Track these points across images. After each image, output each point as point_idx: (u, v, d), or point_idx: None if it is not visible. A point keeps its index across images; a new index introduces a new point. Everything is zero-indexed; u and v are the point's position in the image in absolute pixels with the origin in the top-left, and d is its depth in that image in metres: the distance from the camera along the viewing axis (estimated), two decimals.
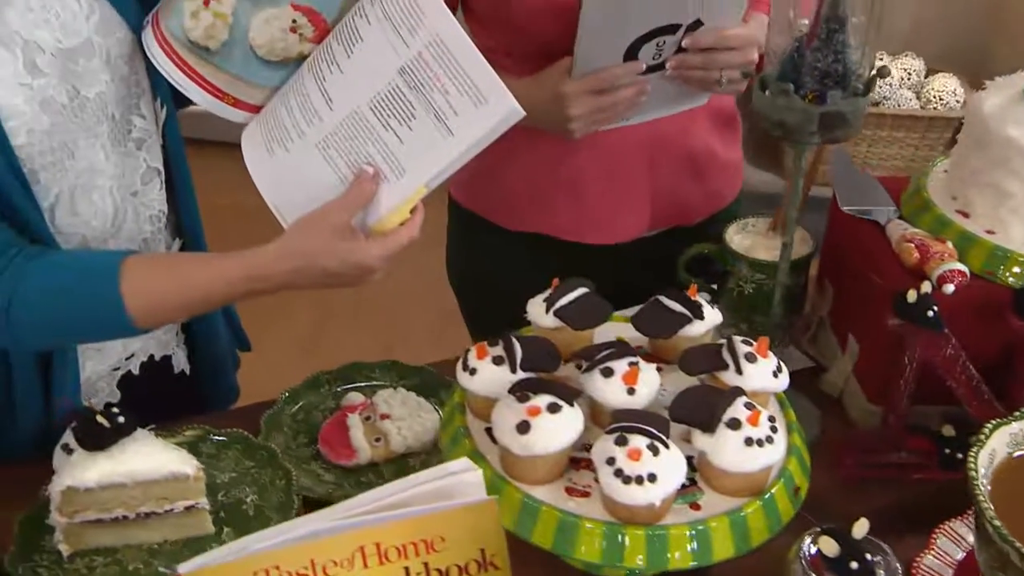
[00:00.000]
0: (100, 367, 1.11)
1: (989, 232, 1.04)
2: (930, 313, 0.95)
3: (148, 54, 0.99)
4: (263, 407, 1.14)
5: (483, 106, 0.89)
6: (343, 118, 0.94)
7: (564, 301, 1.00)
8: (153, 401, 1.15)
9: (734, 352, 0.93)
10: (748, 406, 0.87)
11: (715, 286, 1.25)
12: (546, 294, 1.03)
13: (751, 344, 0.94)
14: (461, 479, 0.73)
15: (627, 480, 0.81)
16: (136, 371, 1.16)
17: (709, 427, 0.86)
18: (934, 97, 2.82)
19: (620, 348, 0.93)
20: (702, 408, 0.87)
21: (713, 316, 1.01)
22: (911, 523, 0.96)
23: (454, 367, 1.22)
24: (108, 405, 1.13)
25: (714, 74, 1.15)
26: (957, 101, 2.81)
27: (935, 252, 1.00)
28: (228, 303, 0.95)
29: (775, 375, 0.93)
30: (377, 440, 1.08)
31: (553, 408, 0.86)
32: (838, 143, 0.96)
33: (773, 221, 1.23)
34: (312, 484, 1.02)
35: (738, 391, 0.88)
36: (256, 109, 1.02)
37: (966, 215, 1.07)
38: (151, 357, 1.18)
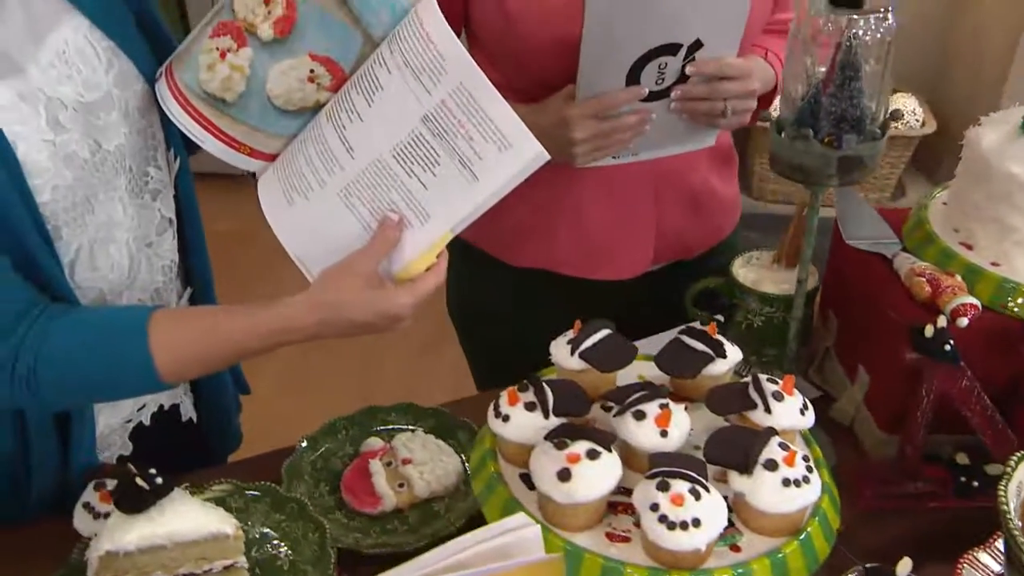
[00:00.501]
0: (113, 420, 1.10)
1: (994, 264, 1.08)
2: (947, 347, 0.98)
3: (163, 107, 0.98)
4: (280, 455, 1.13)
5: (508, 151, 0.90)
6: (365, 166, 0.94)
7: (589, 343, 1.01)
8: (163, 451, 1.14)
9: (761, 391, 0.94)
10: (783, 446, 0.88)
11: (721, 319, 1.28)
12: (569, 336, 1.04)
13: (777, 382, 0.96)
14: (520, 535, 0.73)
15: (672, 526, 0.82)
16: (147, 422, 1.14)
17: (746, 469, 0.87)
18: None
19: (651, 391, 0.95)
20: (737, 449, 0.89)
21: (734, 354, 1.02)
22: (931, 552, 0.98)
23: (467, 407, 1.23)
24: (122, 458, 1.12)
25: (719, 105, 1.17)
26: (917, 120, 2.89)
27: (946, 286, 1.03)
28: (256, 356, 0.95)
29: (802, 412, 0.95)
30: (400, 486, 1.08)
31: (592, 455, 0.87)
32: (854, 184, 0.98)
33: (777, 253, 1.25)
34: (340, 534, 1.02)
35: (771, 431, 0.89)
36: (271, 157, 1.02)
37: (969, 247, 1.11)
38: (160, 407, 1.16)
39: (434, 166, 0.92)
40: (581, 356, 1.01)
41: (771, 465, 0.86)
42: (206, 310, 0.96)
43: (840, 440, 1.16)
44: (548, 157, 0.90)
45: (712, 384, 1.02)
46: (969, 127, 1.15)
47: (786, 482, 0.86)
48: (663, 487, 0.84)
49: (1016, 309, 1.04)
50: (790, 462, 0.87)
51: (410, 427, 1.16)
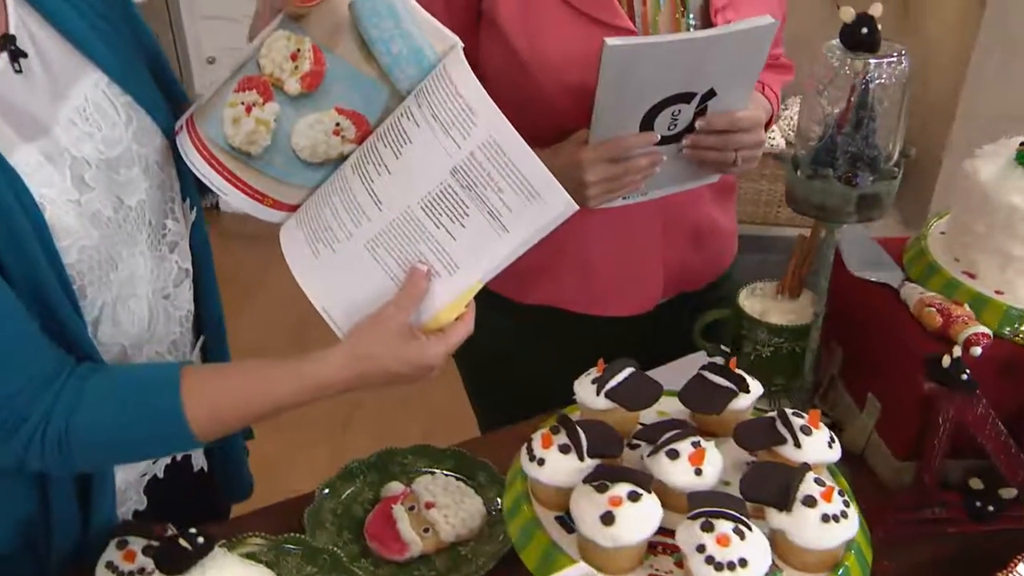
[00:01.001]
0: (130, 475, 1.08)
1: (998, 292, 1.11)
2: (964, 376, 1.01)
3: (186, 161, 0.97)
4: (297, 503, 1.12)
5: (537, 202, 0.91)
6: (393, 218, 0.95)
7: (614, 383, 1.02)
8: (175, 503, 1.12)
9: (790, 425, 0.96)
10: (819, 482, 0.90)
11: (727, 350, 1.30)
12: (592, 375, 1.04)
13: (803, 416, 0.98)
14: None
15: (719, 567, 0.83)
16: (160, 474, 1.12)
17: (785, 505, 0.88)
18: None
19: (683, 429, 0.96)
20: (773, 486, 0.90)
21: (756, 388, 1.04)
22: None
23: (481, 447, 1.23)
24: (138, 513, 1.10)
25: (729, 155, 1.20)
26: None
27: (957, 316, 1.06)
28: (290, 410, 0.94)
29: (830, 446, 0.97)
30: (425, 531, 1.07)
31: (634, 497, 0.88)
32: (872, 221, 1.01)
33: (780, 284, 1.28)
34: None
35: (806, 467, 0.91)
36: (293, 208, 1.01)
37: (972, 276, 1.14)
38: (173, 458, 1.14)
39: (463, 218, 0.93)
40: (607, 396, 1.01)
41: (810, 501, 0.88)
42: (238, 367, 0.95)
43: (852, 468, 1.18)
44: (576, 208, 0.91)
45: (736, 419, 1.04)
46: (963, 160, 1.19)
47: (825, 518, 0.87)
48: (707, 527, 0.85)
49: (1023, 337, 1.07)
50: (828, 497, 0.88)
51: (429, 469, 1.16)
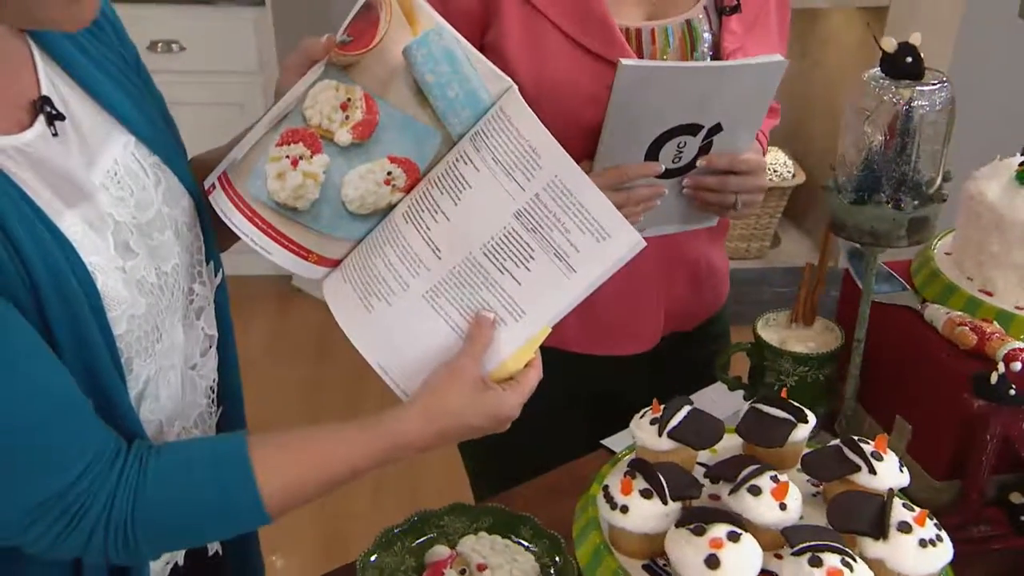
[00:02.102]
0: (156, 565, 0.99)
1: (1019, 308, 1.16)
2: (1012, 391, 1.04)
3: (226, 220, 0.93)
4: None
5: (606, 241, 0.90)
6: (453, 266, 0.92)
7: (676, 422, 1.01)
8: None
9: (861, 452, 0.97)
10: (907, 507, 0.91)
11: (743, 382, 1.31)
12: (649, 416, 1.03)
13: (869, 442, 0.99)
14: None
15: None
16: (182, 561, 1.04)
17: (881, 533, 0.89)
18: (769, 170, 3.10)
19: (760, 465, 0.95)
20: (864, 515, 0.91)
21: (811, 418, 1.05)
22: None
23: (514, 500, 1.19)
24: None
25: (729, 198, 1.22)
26: (789, 171, 3.11)
27: (990, 333, 1.10)
28: (367, 474, 0.89)
29: (900, 470, 0.98)
30: None
31: (733, 537, 0.87)
32: (920, 245, 1.04)
33: (793, 313, 1.30)
34: None
35: (891, 493, 0.92)
36: (336, 263, 0.97)
37: (990, 294, 1.19)
38: None
39: (528, 261, 0.90)
40: (671, 436, 1.00)
41: (905, 527, 0.89)
42: (308, 433, 0.89)
43: None
44: (645, 244, 0.91)
45: (793, 450, 1.04)
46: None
47: (923, 543, 0.88)
48: (816, 563, 0.84)
49: None
50: (921, 522, 0.90)
51: (471, 530, 1.11)
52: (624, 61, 1.06)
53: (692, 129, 1.14)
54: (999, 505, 1.14)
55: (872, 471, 0.96)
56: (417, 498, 2.44)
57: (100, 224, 0.85)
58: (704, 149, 1.18)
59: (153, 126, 0.94)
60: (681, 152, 1.16)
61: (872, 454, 0.97)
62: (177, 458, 0.84)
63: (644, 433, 1.02)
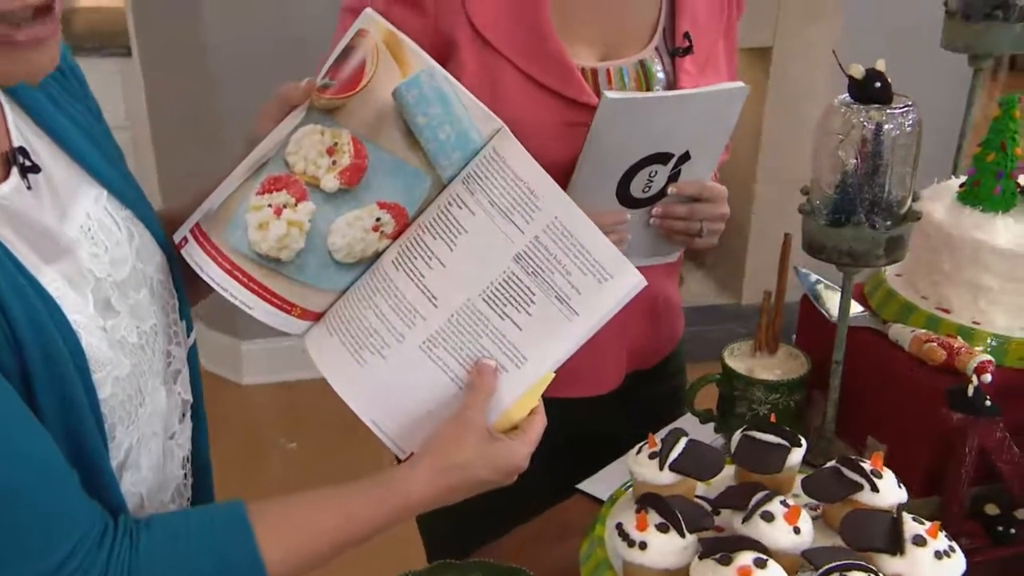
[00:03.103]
0: None
1: (975, 323, 1.24)
2: (987, 403, 1.11)
3: (202, 275, 0.90)
4: None
5: (607, 282, 0.92)
6: (451, 314, 0.92)
7: (676, 455, 1.03)
8: None
9: (861, 470, 1.01)
10: (917, 520, 0.95)
11: (713, 412, 1.35)
12: (647, 451, 1.05)
13: (864, 460, 1.03)
14: None
15: None
16: None
17: (898, 549, 0.93)
18: None
19: (768, 491, 0.98)
20: (877, 532, 0.94)
21: (803, 441, 1.09)
22: None
23: (498, 552, 1.18)
24: None
25: (695, 226, 1.27)
26: None
27: (958, 347, 1.17)
28: (374, 537, 0.87)
29: (899, 486, 1.03)
30: None
31: (760, 563, 0.89)
32: (896, 263, 1.10)
33: (757, 341, 1.35)
34: None
35: (900, 508, 0.96)
36: (318, 316, 0.96)
37: (946, 311, 1.27)
38: None
39: (529, 305, 0.91)
40: (673, 469, 1.02)
41: (920, 541, 0.93)
42: (310, 499, 0.87)
43: None
44: (646, 283, 0.93)
45: (789, 475, 1.08)
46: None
47: (938, 555, 0.92)
48: None
49: (1011, 361, 1.20)
50: (934, 534, 0.94)
51: None
52: (608, 94, 1.09)
53: (663, 158, 1.18)
54: (974, 518, 1.20)
55: (874, 488, 1.00)
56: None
57: (80, 281, 0.82)
58: (672, 178, 1.22)
59: (124, 179, 0.91)
60: (652, 182, 1.20)
61: (872, 472, 1.01)
62: (170, 530, 0.81)
63: (644, 468, 1.04)
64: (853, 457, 1.04)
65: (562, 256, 0.90)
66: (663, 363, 1.48)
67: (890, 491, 1.01)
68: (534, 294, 0.91)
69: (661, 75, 1.26)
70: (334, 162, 0.89)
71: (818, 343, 1.33)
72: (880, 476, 1.01)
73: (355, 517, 0.86)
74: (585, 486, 1.31)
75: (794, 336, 1.40)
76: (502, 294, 0.91)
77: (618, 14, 1.25)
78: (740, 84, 1.19)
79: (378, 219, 0.92)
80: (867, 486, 1.00)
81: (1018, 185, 1.28)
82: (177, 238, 0.94)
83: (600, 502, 1.26)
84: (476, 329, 0.92)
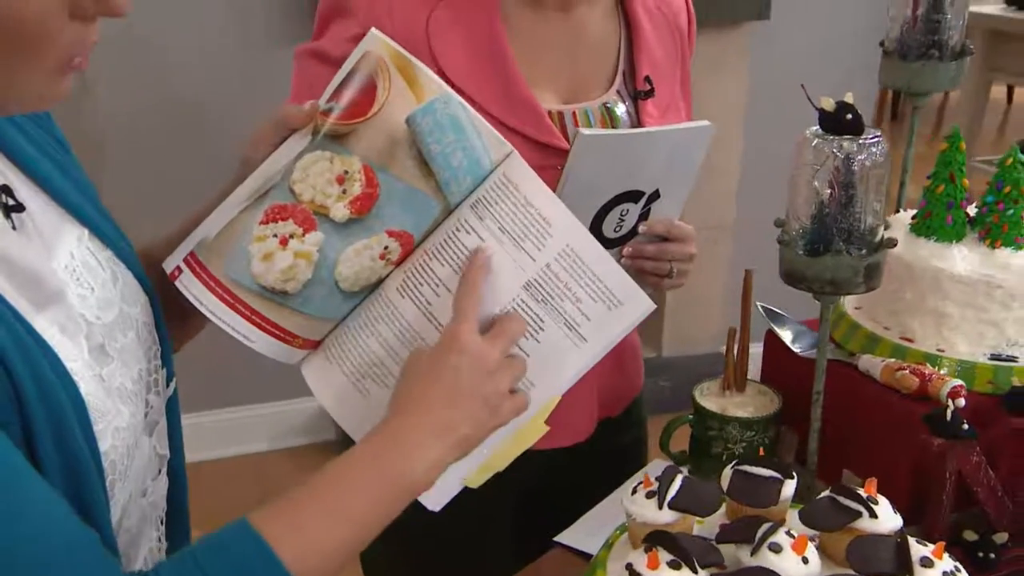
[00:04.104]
0: None
1: (940, 350, 1.31)
2: (965, 426, 1.17)
3: (200, 308, 0.90)
4: None
5: (618, 309, 0.95)
6: None
7: (674, 493, 1.05)
8: None
9: (858, 498, 1.05)
10: (920, 543, 0.99)
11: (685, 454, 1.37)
12: (643, 491, 1.06)
13: (857, 488, 1.07)
14: None
15: None
16: None
17: (907, 572, 0.96)
18: None
19: (773, 523, 1.01)
20: (883, 558, 0.98)
21: (794, 472, 1.12)
22: None
23: None
24: None
25: (665, 266, 1.31)
26: None
27: (929, 374, 1.23)
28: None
29: (895, 512, 1.07)
30: None
31: None
32: (873, 291, 1.16)
33: (724, 380, 1.39)
34: None
35: (903, 531, 1.00)
36: (316, 344, 0.95)
37: (910, 340, 1.33)
38: None
39: (538, 333, 0.93)
40: (672, 507, 1.04)
41: (927, 562, 0.97)
42: (311, 489, 0.83)
43: None
44: (655, 306, 0.96)
45: (781, 508, 1.11)
46: None
47: (946, 575, 0.96)
48: None
49: (978, 385, 1.27)
50: (939, 555, 0.98)
51: None
52: (583, 131, 1.13)
53: (634, 196, 1.22)
54: (954, 545, 1.25)
55: (873, 515, 1.04)
56: None
57: (72, 327, 0.80)
58: (643, 217, 1.26)
59: (104, 217, 0.89)
60: (623, 220, 1.24)
61: (868, 499, 1.05)
62: (178, 567, 0.77)
63: (642, 508, 1.05)
64: (847, 485, 1.08)
65: (573, 283, 0.92)
66: (628, 410, 1.51)
67: (888, 517, 1.05)
68: (543, 321, 0.93)
69: (625, 117, 1.30)
70: (344, 191, 0.89)
71: (785, 378, 1.38)
72: (876, 502, 1.05)
73: (376, 496, 0.83)
74: (565, 538, 1.31)
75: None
76: None
77: (579, 58, 1.30)
78: (707, 123, 1.24)
79: (386, 247, 0.92)
80: (865, 513, 1.04)
81: (967, 215, 1.37)
82: (168, 267, 0.92)
83: (582, 554, 1.27)
84: None
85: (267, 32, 2.82)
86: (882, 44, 1.49)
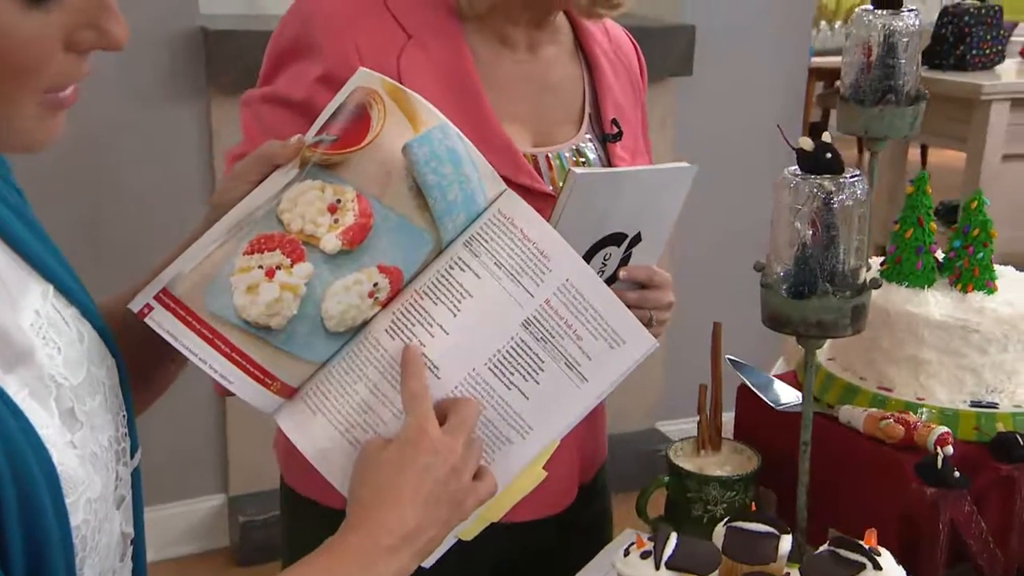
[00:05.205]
0: None
1: (920, 399, 1.37)
2: (956, 474, 1.22)
3: (176, 344, 0.90)
4: None
5: (620, 347, 0.98)
6: (454, 385, 0.95)
7: (670, 552, 1.08)
8: None
9: (861, 550, 1.09)
10: None
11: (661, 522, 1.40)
12: (636, 552, 1.09)
13: (856, 540, 1.12)
14: None
15: None
16: None
17: None
18: None
19: None
20: None
21: (787, 527, 1.16)
22: None
23: None
24: None
25: (645, 314, 1.35)
26: None
27: (914, 422, 1.29)
28: None
29: (897, 564, 1.11)
30: None
31: None
32: (859, 333, 1.21)
33: (699, 440, 1.43)
34: None
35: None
36: (291, 392, 0.96)
37: (889, 390, 1.39)
38: None
39: (537, 373, 0.96)
40: (670, 567, 1.06)
41: None
42: None
43: None
44: (657, 345, 0.99)
45: (780, 564, 1.14)
46: None
47: None
48: None
49: (964, 434, 1.33)
50: None
51: None
52: (576, 170, 1.16)
53: (618, 239, 1.26)
54: None
55: (877, 566, 1.08)
56: None
57: (43, 390, 0.79)
58: (623, 262, 1.30)
59: (67, 271, 0.89)
60: (605, 265, 1.27)
61: (871, 550, 1.10)
62: None
63: (637, 570, 1.07)
64: (846, 537, 1.12)
65: (573, 320, 0.95)
66: (599, 474, 1.53)
67: (892, 568, 1.09)
68: (543, 361, 0.95)
69: (596, 161, 1.35)
70: (336, 220, 0.91)
71: (760, 433, 1.43)
72: (879, 554, 1.10)
73: None
74: None
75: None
76: (510, 362, 0.95)
77: (546, 100, 1.34)
78: (688, 164, 1.30)
79: (376, 284, 0.93)
80: (869, 565, 1.08)
81: (935, 260, 1.45)
82: (136, 306, 0.91)
83: None
84: (481, 400, 0.94)
85: (162, 89, 2.82)
86: (838, 90, 1.58)
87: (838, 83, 6.87)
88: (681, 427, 3.51)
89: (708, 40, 3.30)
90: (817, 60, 6.80)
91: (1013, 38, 5.35)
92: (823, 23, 7.69)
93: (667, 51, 3.24)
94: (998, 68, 4.98)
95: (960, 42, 4.87)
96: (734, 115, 3.42)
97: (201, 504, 3.10)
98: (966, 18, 4.88)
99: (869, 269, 1.24)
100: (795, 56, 3.60)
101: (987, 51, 4.94)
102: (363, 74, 0.96)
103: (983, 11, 4.92)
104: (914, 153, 7.15)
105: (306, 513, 1.39)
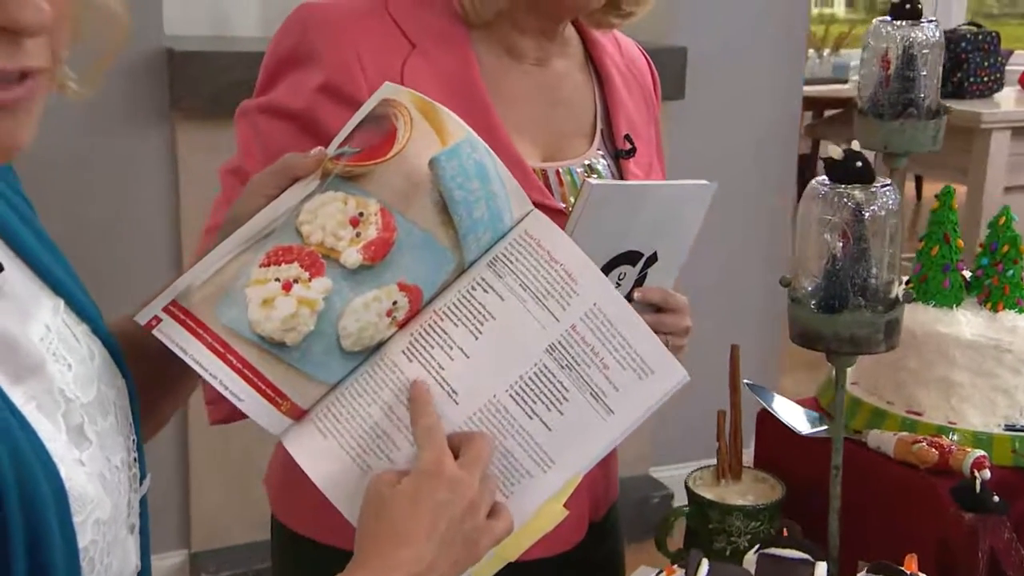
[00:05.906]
0: None
1: (951, 423, 1.39)
2: (996, 499, 1.24)
3: (186, 358, 0.90)
4: None
5: (649, 378, 0.98)
6: (472, 412, 0.95)
7: None
8: None
9: (898, 574, 1.10)
10: None
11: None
12: None
13: (897, 566, 1.13)
14: None
15: None
16: None
17: None
18: None
19: None
20: None
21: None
22: None
23: None
24: None
25: (662, 339, 1.35)
26: None
27: (948, 446, 1.31)
28: None
29: None
30: None
31: None
32: (893, 349, 1.23)
33: (719, 468, 1.43)
34: None
35: None
36: (300, 414, 0.96)
37: (919, 414, 1.41)
38: None
39: (560, 403, 0.96)
40: None
41: None
42: None
43: None
44: (688, 379, 1.00)
45: None
46: None
47: None
48: None
49: (998, 459, 1.35)
50: None
51: None
52: (591, 181, 1.17)
53: (633, 258, 1.27)
54: None
55: None
56: None
57: (50, 404, 0.79)
58: (638, 283, 1.31)
59: (79, 287, 0.89)
60: (619, 285, 1.28)
61: None
62: None
63: None
64: (887, 563, 1.13)
65: (600, 348, 0.96)
66: (610, 513, 1.53)
67: None
68: (567, 390, 0.95)
69: (609, 177, 1.37)
70: (358, 234, 0.91)
71: (783, 460, 1.44)
72: None
73: None
74: None
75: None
76: (532, 390, 0.95)
77: (557, 114, 1.35)
78: (708, 182, 1.31)
79: (395, 302, 0.94)
80: None
81: (963, 278, 1.48)
82: (143, 319, 0.91)
83: None
84: (500, 429, 0.94)
85: (124, 113, 2.82)
86: (856, 104, 1.62)
87: (828, 112, 6.89)
88: (678, 471, 3.51)
89: (700, 62, 3.34)
90: (806, 89, 6.89)
91: (1009, 66, 5.44)
92: (811, 51, 7.80)
93: (658, 73, 3.28)
94: (996, 96, 5.06)
95: (957, 69, 4.94)
96: (727, 139, 3.46)
97: (162, 562, 3.06)
98: (963, 44, 4.96)
99: (901, 282, 1.26)
100: (789, 78, 3.65)
101: (985, 78, 5.02)
102: (388, 88, 0.97)
103: (980, 37, 5.00)
104: (908, 186, 7.23)
105: (302, 552, 1.38)
